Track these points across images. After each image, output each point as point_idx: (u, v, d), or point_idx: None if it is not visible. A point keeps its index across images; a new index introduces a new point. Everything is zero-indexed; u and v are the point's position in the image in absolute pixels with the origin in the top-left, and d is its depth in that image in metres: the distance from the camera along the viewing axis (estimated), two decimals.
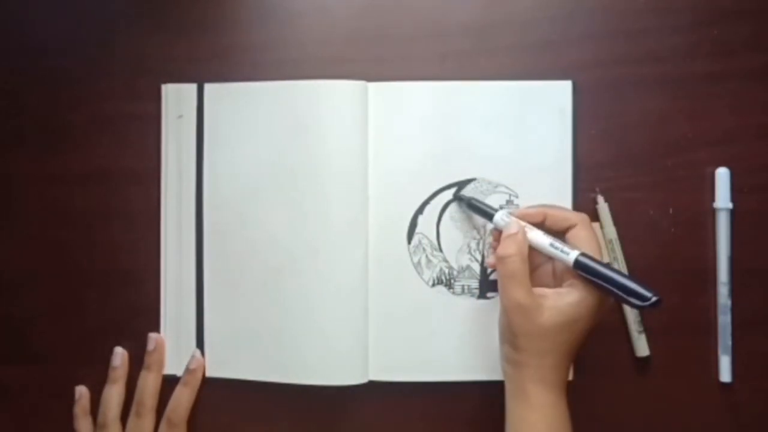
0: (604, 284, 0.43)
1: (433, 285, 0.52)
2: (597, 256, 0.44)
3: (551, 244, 0.45)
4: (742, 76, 0.52)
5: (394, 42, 0.53)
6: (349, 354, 0.52)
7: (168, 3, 0.55)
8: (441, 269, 0.52)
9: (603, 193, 0.52)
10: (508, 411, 0.46)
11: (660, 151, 0.52)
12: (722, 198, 0.51)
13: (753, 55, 0.52)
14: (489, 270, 0.52)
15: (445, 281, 0.52)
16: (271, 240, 0.53)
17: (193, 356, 0.53)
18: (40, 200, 0.55)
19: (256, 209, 0.53)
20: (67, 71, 0.55)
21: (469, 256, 0.53)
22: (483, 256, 0.52)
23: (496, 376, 0.49)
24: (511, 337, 0.45)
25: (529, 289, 0.44)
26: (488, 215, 0.49)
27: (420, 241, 0.52)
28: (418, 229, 0.52)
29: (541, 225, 0.47)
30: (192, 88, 0.54)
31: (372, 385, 0.52)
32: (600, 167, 0.52)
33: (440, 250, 0.53)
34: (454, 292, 0.52)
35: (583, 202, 0.52)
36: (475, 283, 0.52)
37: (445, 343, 0.52)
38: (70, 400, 0.54)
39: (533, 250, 0.46)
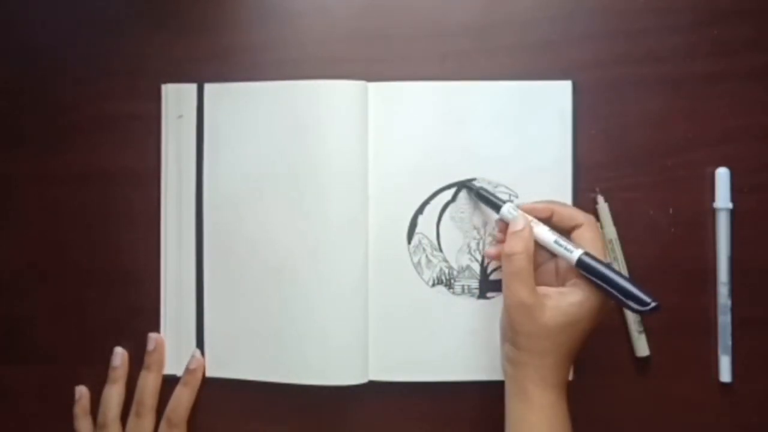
0: (605, 286, 0.43)
1: (433, 285, 0.52)
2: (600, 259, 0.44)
3: (556, 241, 0.45)
4: (742, 76, 0.52)
5: (394, 42, 0.53)
6: (349, 354, 0.52)
7: (168, 3, 0.55)
8: (441, 269, 0.52)
9: (603, 193, 0.52)
10: (508, 411, 0.46)
11: (660, 151, 0.52)
12: (722, 198, 0.51)
13: (753, 55, 0.52)
14: (489, 270, 0.52)
15: (445, 281, 0.52)
16: (271, 240, 0.53)
17: (193, 356, 0.53)
18: (40, 200, 0.55)
19: (256, 209, 0.53)
20: (67, 71, 0.55)
21: (469, 256, 0.53)
22: (483, 257, 0.52)
23: (497, 376, 0.49)
24: (512, 335, 0.45)
25: (533, 287, 0.44)
26: (496, 206, 0.49)
27: (420, 241, 0.52)
28: (418, 229, 0.52)
29: (547, 221, 0.47)
30: (192, 88, 0.54)
31: (372, 385, 0.52)
32: (600, 167, 0.52)
33: (440, 250, 0.52)
34: (454, 292, 0.52)
35: (583, 202, 0.52)
36: (475, 283, 0.52)
37: (445, 343, 0.52)
38: (70, 400, 0.54)
39: (537, 248, 0.46)
